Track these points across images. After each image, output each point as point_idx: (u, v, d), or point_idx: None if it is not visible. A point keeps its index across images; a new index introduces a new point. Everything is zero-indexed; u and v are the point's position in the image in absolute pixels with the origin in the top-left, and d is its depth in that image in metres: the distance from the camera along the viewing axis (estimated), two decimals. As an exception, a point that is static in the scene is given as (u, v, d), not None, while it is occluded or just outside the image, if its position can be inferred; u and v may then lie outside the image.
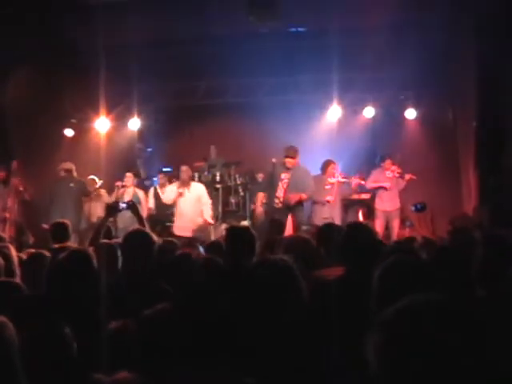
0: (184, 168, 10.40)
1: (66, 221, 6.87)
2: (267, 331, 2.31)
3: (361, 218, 11.75)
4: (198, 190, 10.48)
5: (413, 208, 10.90)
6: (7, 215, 10.60)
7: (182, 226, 10.24)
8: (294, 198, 9.48)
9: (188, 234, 10.09)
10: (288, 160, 9.69)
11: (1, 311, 2.52)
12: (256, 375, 2.06)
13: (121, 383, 2.01)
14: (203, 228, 10.51)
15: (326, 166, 11.02)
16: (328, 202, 10.72)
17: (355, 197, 11.73)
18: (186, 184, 10.28)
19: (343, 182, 11.09)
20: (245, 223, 11.62)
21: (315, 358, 2.55)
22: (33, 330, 2.80)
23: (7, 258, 4.53)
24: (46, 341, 2.81)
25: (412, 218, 11.94)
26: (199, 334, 2.25)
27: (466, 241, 4.52)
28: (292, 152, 9.76)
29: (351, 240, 3.93)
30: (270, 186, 9.93)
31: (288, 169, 9.73)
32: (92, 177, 11.52)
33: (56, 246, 5.18)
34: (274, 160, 9.92)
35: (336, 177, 10.94)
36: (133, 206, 6.03)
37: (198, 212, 10.37)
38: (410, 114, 12.51)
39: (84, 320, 3.20)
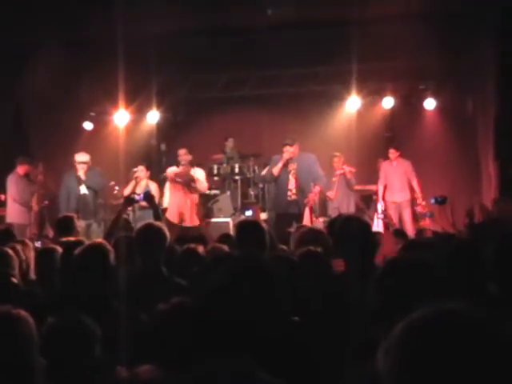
0: (182, 151, 10.20)
1: (72, 214, 6.87)
2: (278, 327, 2.33)
3: (380, 211, 11.73)
4: (197, 174, 10.22)
5: (433, 200, 10.83)
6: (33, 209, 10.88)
7: (175, 212, 9.97)
8: (312, 198, 9.49)
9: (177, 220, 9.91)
10: (286, 148, 9.58)
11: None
12: (272, 371, 2.07)
13: (142, 377, 2.03)
14: (194, 217, 10.19)
15: (331, 160, 11.19)
16: (329, 198, 10.91)
17: (358, 188, 11.82)
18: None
19: (342, 174, 11.23)
20: (264, 215, 11.63)
21: (328, 354, 2.56)
22: (58, 324, 2.85)
23: (19, 255, 4.60)
24: (73, 334, 2.85)
25: (432, 209, 11.88)
26: (215, 329, 2.27)
27: (481, 235, 4.51)
28: (289, 140, 9.62)
29: (343, 233, 3.95)
30: (276, 180, 9.79)
31: (292, 159, 9.57)
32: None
33: (64, 239, 5.19)
34: (273, 157, 9.86)
35: (339, 169, 11.11)
36: (149, 197, 6.07)
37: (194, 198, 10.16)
38: (430, 104, 12.41)
39: (100, 314, 3.23)
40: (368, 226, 4.11)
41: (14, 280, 3.65)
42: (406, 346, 1.22)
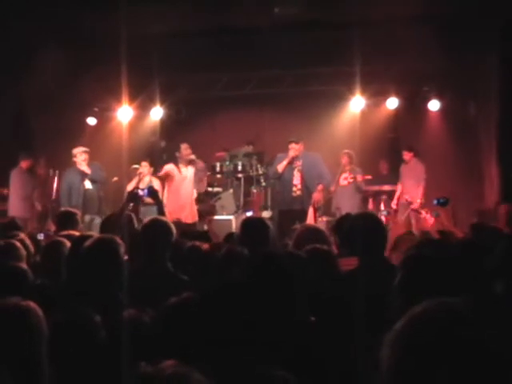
0: (184, 146, 10.12)
1: (73, 209, 6.90)
2: (284, 325, 2.33)
3: (383, 208, 11.75)
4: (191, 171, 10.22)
5: (435, 202, 10.84)
6: (36, 205, 10.97)
7: (175, 209, 9.81)
8: (317, 197, 9.52)
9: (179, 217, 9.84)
10: (292, 146, 9.59)
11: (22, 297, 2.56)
12: (282, 368, 2.07)
13: (167, 372, 2.03)
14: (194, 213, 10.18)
15: (339, 157, 11.29)
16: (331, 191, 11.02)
17: (376, 188, 11.82)
18: (185, 163, 9.94)
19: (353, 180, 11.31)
20: (266, 213, 11.63)
21: (337, 352, 2.56)
22: (61, 317, 2.85)
23: (28, 248, 4.61)
24: (75, 327, 2.85)
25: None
26: (224, 324, 2.27)
27: (487, 236, 4.51)
28: (294, 138, 9.67)
29: (356, 230, 3.96)
30: (281, 177, 9.82)
31: (297, 156, 9.62)
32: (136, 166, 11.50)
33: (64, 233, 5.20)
34: (278, 155, 9.91)
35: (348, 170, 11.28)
36: (153, 192, 6.08)
37: (192, 195, 10.15)
38: (434, 105, 12.40)
39: (107, 308, 3.22)
40: (381, 223, 4.13)
41: (26, 273, 3.64)
42: (407, 340, 1.24)
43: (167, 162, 11.08)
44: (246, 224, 4.85)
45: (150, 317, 3.16)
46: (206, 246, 4.80)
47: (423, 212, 10.75)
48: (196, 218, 9.87)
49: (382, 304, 2.77)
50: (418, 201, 11.03)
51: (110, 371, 2.76)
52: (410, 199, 11.03)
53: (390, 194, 11.82)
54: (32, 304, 2.48)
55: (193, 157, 10.07)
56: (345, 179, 11.34)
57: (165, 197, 10.61)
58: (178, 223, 9.28)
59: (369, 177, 11.63)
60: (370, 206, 11.68)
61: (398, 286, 2.69)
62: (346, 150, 11.40)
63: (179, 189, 9.77)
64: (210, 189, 12.30)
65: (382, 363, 1.27)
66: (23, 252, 4.43)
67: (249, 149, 12.97)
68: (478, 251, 3.67)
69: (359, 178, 11.27)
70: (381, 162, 12.53)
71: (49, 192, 11.30)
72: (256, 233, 4.60)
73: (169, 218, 9.58)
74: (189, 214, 9.76)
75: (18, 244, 4.44)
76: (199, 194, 11.13)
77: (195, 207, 10.08)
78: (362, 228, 3.92)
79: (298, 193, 9.56)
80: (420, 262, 2.74)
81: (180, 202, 9.78)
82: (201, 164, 10.55)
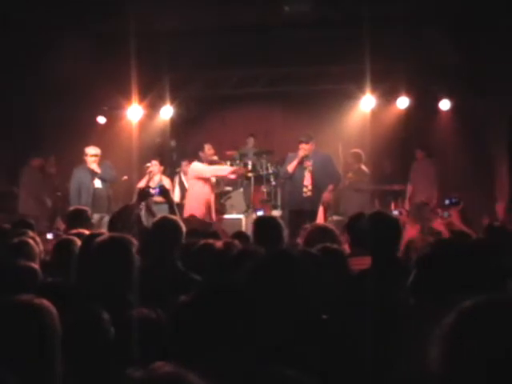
0: (208, 146, 10.15)
1: (84, 207, 6.92)
2: (296, 324, 2.32)
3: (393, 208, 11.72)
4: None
5: (447, 202, 10.79)
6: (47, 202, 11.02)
7: (203, 206, 9.81)
8: (328, 197, 9.49)
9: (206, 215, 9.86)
10: (302, 146, 9.56)
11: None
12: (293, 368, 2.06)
13: (158, 373, 2.03)
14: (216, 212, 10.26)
15: (346, 156, 11.42)
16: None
17: (371, 187, 11.82)
18: (208, 163, 9.95)
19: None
20: (276, 212, 11.62)
21: (349, 352, 2.55)
22: (71, 315, 2.84)
23: (39, 246, 4.62)
24: (85, 326, 2.84)
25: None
26: (234, 323, 2.25)
27: (501, 236, 4.49)
28: (304, 137, 9.64)
29: (368, 229, 3.94)
30: (292, 177, 9.80)
31: (307, 156, 9.61)
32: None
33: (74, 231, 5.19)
34: (290, 154, 9.88)
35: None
36: (164, 191, 6.07)
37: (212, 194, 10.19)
38: (444, 104, 12.36)
39: (117, 307, 3.22)
40: (394, 223, 4.10)
41: (36, 271, 3.63)
42: (460, 333, 1.25)
43: (178, 160, 11.08)
44: (260, 222, 4.85)
45: (159, 315, 3.15)
46: (219, 244, 4.77)
47: (439, 211, 10.69)
48: (215, 217, 10.03)
49: (395, 304, 2.76)
50: (434, 201, 10.99)
51: (118, 369, 2.75)
52: (427, 200, 10.99)
53: (395, 194, 11.81)
54: (46, 302, 2.47)
55: (216, 158, 10.18)
56: (347, 179, 11.35)
57: (176, 194, 10.70)
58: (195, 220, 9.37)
59: (350, 176, 11.49)
60: (376, 205, 11.66)
61: (411, 285, 2.68)
62: (353, 150, 11.41)
63: (206, 187, 9.86)
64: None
65: (432, 359, 1.28)
66: (36, 250, 4.43)
67: (250, 141, 12.99)
68: (491, 251, 3.64)
69: (351, 178, 11.27)
70: (385, 162, 12.51)
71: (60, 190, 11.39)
72: (270, 231, 4.59)
73: (199, 214, 9.67)
74: (213, 212, 9.93)
75: (32, 242, 4.45)
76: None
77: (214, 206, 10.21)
78: (374, 227, 3.90)
79: (309, 193, 9.52)
80: (434, 261, 2.73)
81: (207, 200, 9.89)
82: (223, 165, 10.69)
